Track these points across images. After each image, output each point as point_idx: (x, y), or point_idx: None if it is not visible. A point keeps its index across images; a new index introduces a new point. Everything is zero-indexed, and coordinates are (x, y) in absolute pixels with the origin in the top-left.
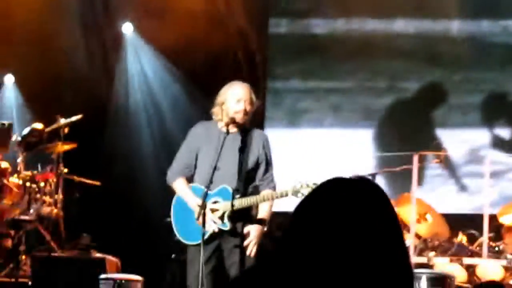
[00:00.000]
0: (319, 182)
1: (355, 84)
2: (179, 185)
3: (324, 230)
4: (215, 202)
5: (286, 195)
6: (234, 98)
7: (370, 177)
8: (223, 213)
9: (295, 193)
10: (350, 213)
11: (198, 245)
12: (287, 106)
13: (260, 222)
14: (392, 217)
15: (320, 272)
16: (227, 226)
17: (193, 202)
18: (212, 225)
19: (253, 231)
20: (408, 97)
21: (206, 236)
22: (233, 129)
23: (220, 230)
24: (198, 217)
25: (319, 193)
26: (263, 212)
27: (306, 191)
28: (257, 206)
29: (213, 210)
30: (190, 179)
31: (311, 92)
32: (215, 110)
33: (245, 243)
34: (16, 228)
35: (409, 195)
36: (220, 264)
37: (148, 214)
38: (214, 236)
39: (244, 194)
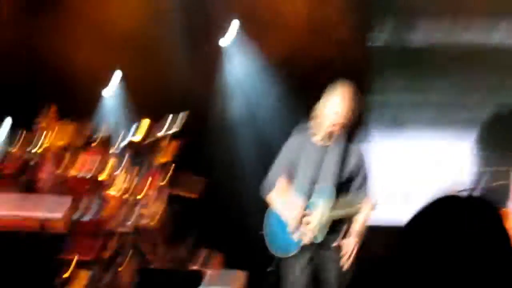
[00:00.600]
0: (408, 191)
1: (454, 97)
2: (274, 196)
3: (435, 247)
4: (308, 213)
5: (378, 205)
6: (331, 109)
7: (478, 194)
8: (316, 225)
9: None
10: (462, 234)
11: (292, 257)
12: (387, 119)
13: (355, 234)
14: (505, 240)
15: None
16: (319, 238)
17: (287, 214)
18: (305, 236)
19: (347, 244)
20: (508, 111)
21: (298, 247)
22: (330, 141)
23: (313, 242)
24: (296, 230)
25: (432, 211)
26: (358, 224)
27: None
28: (351, 218)
29: (306, 222)
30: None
31: (412, 105)
32: (312, 122)
33: (341, 255)
34: (116, 239)
35: (507, 210)
36: (314, 277)
37: (247, 223)
38: (307, 247)
39: (339, 207)
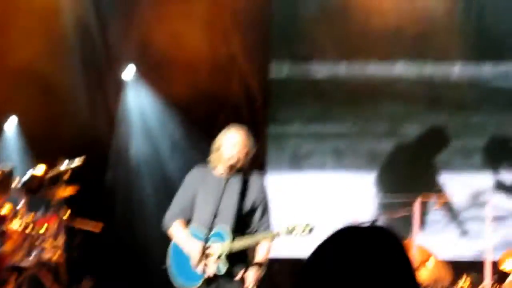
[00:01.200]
0: (312, 222)
1: (356, 128)
2: (175, 230)
3: (340, 280)
4: (210, 246)
5: (279, 235)
6: (230, 143)
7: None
8: (219, 256)
9: (289, 232)
10: (366, 263)
11: None
12: (288, 150)
13: (258, 265)
14: (409, 267)
15: None
16: (222, 269)
17: (189, 247)
18: (208, 269)
19: (250, 275)
20: (410, 141)
21: (201, 280)
22: (231, 173)
23: (216, 274)
24: (198, 263)
25: (334, 242)
26: (260, 255)
27: (299, 230)
28: (253, 250)
29: (208, 254)
30: (187, 223)
31: (313, 136)
32: (212, 156)
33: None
34: (17, 273)
35: (409, 241)
36: None
37: (149, 258)
38: (211, 280)
39: (240, 237)
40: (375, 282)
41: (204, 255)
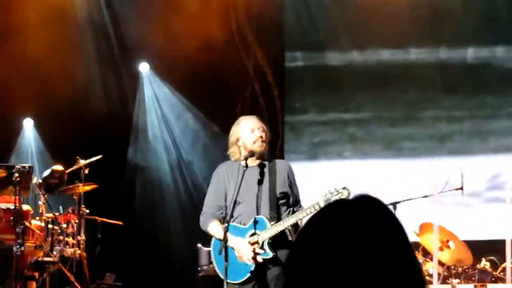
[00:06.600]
0: (348, 186)
1: (372, 114)
2: (214, 229)
3: (328, 255)
4: (252, 235)
5: (319, 206)
6: (247, 130)
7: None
8: (263, 243)
9: (327, 201)
10: (354, 233)
11: (245, 282)
12: (305, 139)
13: None
14: (397, 228)
15: None
16: (269, 254)
17: (233, 241)
18: (255, 258)
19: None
20: (426, 126)
21: (252, 270)
22: (254, 162)
23: (264, 261)
24: (245, 254)
25: (319, 218)
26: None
27: (337, 197)
28: (295, 232)
29: (252, 243)
30: (223, 220)
31: (329, 124)
32: (232, 151)
33: None
34: (40, 270)
35: (431, 223)
36: None
37: (171, 251)
38: (259, 268)
39: (280, 221)
40: (366, 252)
41: (248, 245)
